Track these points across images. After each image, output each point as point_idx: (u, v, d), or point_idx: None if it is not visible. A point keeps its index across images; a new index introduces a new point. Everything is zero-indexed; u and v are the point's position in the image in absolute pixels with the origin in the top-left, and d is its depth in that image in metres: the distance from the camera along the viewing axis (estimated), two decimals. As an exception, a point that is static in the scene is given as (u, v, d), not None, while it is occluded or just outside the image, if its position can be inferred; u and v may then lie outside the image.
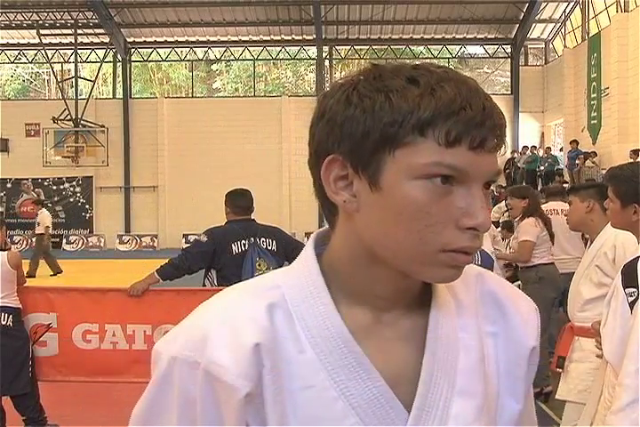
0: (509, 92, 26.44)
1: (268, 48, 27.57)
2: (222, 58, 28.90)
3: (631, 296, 2.29)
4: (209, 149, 25.70)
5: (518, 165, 21.71)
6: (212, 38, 27.08)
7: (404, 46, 27.18)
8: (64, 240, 25.92)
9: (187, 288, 5.16)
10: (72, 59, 26.75)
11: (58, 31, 26.16)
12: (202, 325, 0.82)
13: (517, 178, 21.11)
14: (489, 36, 26.81)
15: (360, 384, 0.81)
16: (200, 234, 5.10)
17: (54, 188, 26.43)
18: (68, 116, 25.04)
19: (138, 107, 26.66)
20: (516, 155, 22.00)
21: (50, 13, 25.29)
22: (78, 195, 26.72)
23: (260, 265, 4.85)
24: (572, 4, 24.62)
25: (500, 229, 8.52)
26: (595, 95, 21.24)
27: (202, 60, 28.67)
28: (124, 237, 25.97)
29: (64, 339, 4.88)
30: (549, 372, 4.93)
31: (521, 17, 25.56)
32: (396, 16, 25.53)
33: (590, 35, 22.51)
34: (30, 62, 28.97)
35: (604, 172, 15.09)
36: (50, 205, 25.28)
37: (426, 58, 26.88)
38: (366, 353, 0.82)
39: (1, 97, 28.51)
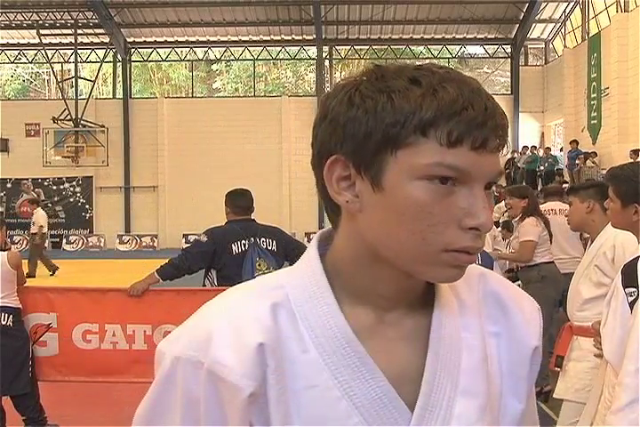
0: (509, 92, 26.44)
1: (268, 48, 27.57)
2: (222, 58, 28.91)
3: (631, 296, 2.29)
4: (209, 149, 25.70)
5: (518, 165, 21.71)
6: (212, 38, 27.09)
7: (404, 46, 27.18)
8: (64, 240, 25.93)
9: (187, 288, 5.16)
10: (72, 59, 26.76)
11: (58, 31, 26.17)
12: (205, 325, 0.83)
13: (517, 178, 21.12)
14: (489, 36, 26.82)
15: (363, 384, 0.81)
16: (200, 234, 5.10)
17: (54, 188, 26.43)
18: (68, 116, 25.04)
19: (138, 107, 26.67)
20: (515, 155, 22.00)
21: (50, 13, 25.29)
22: (78, 195, 26.72)
23: (260, 265, 4.85)
24: (571, 4, 24.63)
25: (499, 229, 8.51)
26: (595, 95, 21.24)
27: (202, 60, 28.68)
28: (124, 237, 25.98)
29: (64, 339, 4.88)
30: (549, 371, 4.94)
31: (521, 17, 25.56)
32: (396, 16, 25.54)
33: (590, 35, 22.51)
34: (30, 62, 28.98)
35: (604, 172, 15.09)
36: (50, 205, 25.32)
37: (426, 58, 26.89)
38: (369, 353, 0.82)
39: (1, 97, 28.52)
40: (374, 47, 27.57)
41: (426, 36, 26.88)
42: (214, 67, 30.20)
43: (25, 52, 28.23)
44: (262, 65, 29.34)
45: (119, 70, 27.71)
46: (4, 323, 4.63)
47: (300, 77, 30.50)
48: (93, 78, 26.65)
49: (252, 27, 26.27)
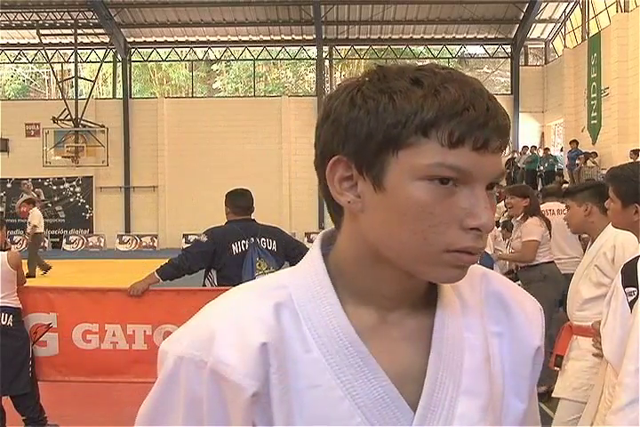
0: (509, 92, 26.45)
1: (268, 48, 27.57)
2: (222, 58, 28.91)
3: (631, 296, 2.29)
4: (209, 149, 25.70)
5: (518, 165, 21.71)
6: (212, 38, 27.09)
7: (404, 46, 27.19)
8: (64, 240, 25.93)
9: (187, 288, 5.16)
10: (72, 59, 26.76)
11: (58, 31, 26.17)
12: (208, 324, 0.83)
13: (517, 178, 21.12)
14: (489, 36, 26.82)
15: (366, 384, 0.81)
16: (200, 234, 5.10)
17: (54, 188, 26.43)
18: (68, 116, 25.04)
19: (138, 107, 26.67)
20: (515, 155, 22.01)
21: (50, 13, 25.29)
22: (78, 195, 26.72)
23: (260, 265, 4.85)
24: (571, 4, 24.63)
25: (499, 228, 8.51)
26: (595, 95, 21.25)
27: (202, 60, 28.68)
28: (124, 237, 25.98)
29: (64, 339, 4.88)
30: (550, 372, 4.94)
31: (521, 17, 25.56)
32: (396, 16, 25.54)
33: (590, 35, 22.52)
34: (30, 62, 28.98)
35: (604, 172, 15.10)
36: (50, 205, 25.33)
37: (426, 58, 26.91)
38: (372, 353, 0.83)
39: (1, 97, 28.52)
40: (374, 47, 27.57)
41: (426, 36, 26.88)
42: (214, 67, 30.20)
43: (25, 52, 28.23)
44: (262, 65, 29.34)
45: (119, 70, 27.71)
46: (4, 323, 4.63)
47: (300, 77, 30.51)
48: (93, 78, 26.66)
49: (252, 27, 26.28)
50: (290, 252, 4.98)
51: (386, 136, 0.79)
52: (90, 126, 25.69)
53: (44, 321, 4.89)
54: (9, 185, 25.95)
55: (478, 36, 26.98)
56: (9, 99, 28.66)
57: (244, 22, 26.01)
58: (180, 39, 27.15)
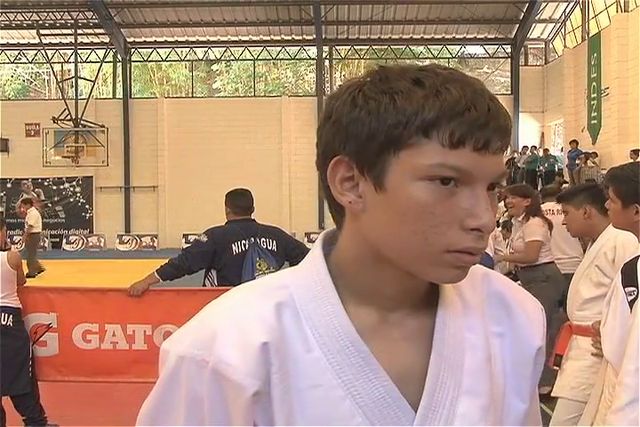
0: (509, 92, 26.44)
1: (268, 48, 27.57)
2: (222, 58, 28.91)
3: (631, 295, 2.30)
4: (209, 149, 25.70)
5: (518, 165, 21.72)
6: (212, 38, 27.09)
7: (404, 46, 27.19)
8: (64, 240, 25.92)
9: (187, 288, 5.15)
10: (72, 59, 26.75)
11: (58, 31, 26.16)
12: (210, 324, 0.83)
13: (517, 178, 21.12)
14: (489, 36, 26.82)
15: (367, 384, 0.82)
16: (200, 234, 5.10)
17: (54, 188, 26.43)
18: (68, 116, 25.04)
19: (138, 107, 26.67)
20: (515, 155, 22.01)
21: (50, 13, 25.29)
22: (78, 195, 26.72)
23: (260, 265, 4.85)
24: (571, 4, 24.63)
25: (500, 228, 8.50)
26: (595, 95, 21.25)
27: (202, 60, 28.67)
28: (124, 237, 25.98)
29: (64, 339, 4.88)
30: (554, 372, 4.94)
31: (521, 17, 25.56)
32: (396, 16, 25.53)
33: (590, 35, 22.52)
34: (30, 62, 28.97)
35: (604, 172, 15.10)
36: (50, 205, 25.33)
37: (426, 58, 26.91)
38: (373, 353, 0.83)
39: (1, 97, 28.51)
40: (374, 47, 27.57)
41: (426, 36, 26.88)
42: (214, 67, 30.19)
43: (25, 52, 28.22)
44: (262, 65, 29.34)
45: (119, 70, 27.70)
46: (4, 323, 4.63)
47: (300, 77, 30.50)
48: (93, 78, 26.65)
49: (252, 27, 26.27)
50: (290, 252, 4.98)
51: (387, 136, 0.79)
52: (90, 126, 25.69)
53: (44, 321, 4.89)
54: (9, 185, 25.94)
55: (478, 36, 26.98)
56: (9, 99, 28.65)
57: (244, 22, 26.00)
58: (180, 39, 27.15)
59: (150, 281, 4.84)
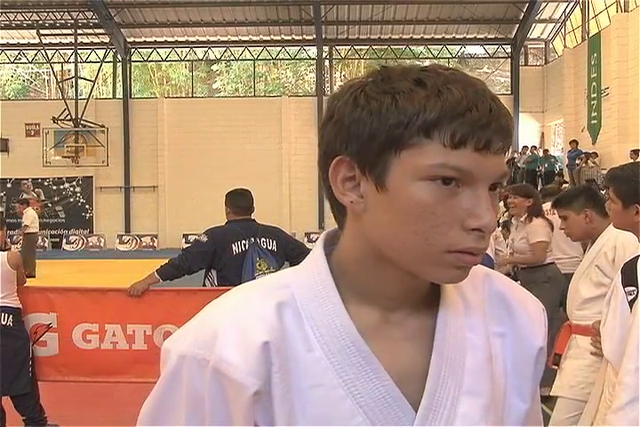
0: (509, 92, 26.44)
1: (268, 48, 27.58)
2: (222, 58, 28.92)
3: (630, 295, 2.30)
4: (209, 149, 25.71)
5: (518, 165, 21.72)
6: (212, 38, 27.09)
7: (404, 46, 27.20)
8: (64, 240, 25.93)
9: (187, 288, 5.15)
10: (72, 59, 26.77)
11: (58, 31, 26.17)
12: (211, 323, 0.83)
13: (517, 178, 21.13)
14: (489, 36, 26.83)
15: (368, 383, 0.82)
16: (200, 234, 5.10)
17: (54, 188, 26.43)
18: (68, 116, 25.05)
19: (138, 107, 26.67)
20: (515, 155, 22.00)
21: (50, 13, 25.30)
22: (78, 195, 26.72)
23: (260, 265, 4.85)
24: (571, 4, 24.63)
25: (500, 228, 8.50)
26: (595, 95, 21.25)
27: (202, 60, 28.68)
28: (123, 237, 25.98)
29: (64, 339, 4.88)
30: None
31: (521, 17, 25.57)
32: (396, 16, 25.54)
33: (590, 35, 22.53)
34: (30, 62, 28.98)
35: (604, 172, 15.10)
36: (50, 205, 25.33)
37: (426, 58, 26.91)
38: (374, 352, 0.83)
39: (1, 97, 28.52)
40: (374, 47, 27.57)
41: (426, 36, 26.89)
42: (214, 67, 30.20)
43: (25, 52, 28.23)
44: (262, 65, 29.35)
45: (119, 70, 27.71)
46: (4, 323, 4.63)
47: (300, 77, 30.51)
48: (93, 78, 26.66)
49: (252, 27, 26.28)
50: (290, 252, 4.98)
51: (388, 136, 0.79)
52: (90, 126, 25.70)
53: (44, 321, 4.89)
54: (9, 185, 25.94)
55: (478, 36, 26.99)
56: (9, 99, 28.67)
57: (244, 22, 26.01)
58: (180, 39, 27.16)
59: (150, 281, 4.84)
